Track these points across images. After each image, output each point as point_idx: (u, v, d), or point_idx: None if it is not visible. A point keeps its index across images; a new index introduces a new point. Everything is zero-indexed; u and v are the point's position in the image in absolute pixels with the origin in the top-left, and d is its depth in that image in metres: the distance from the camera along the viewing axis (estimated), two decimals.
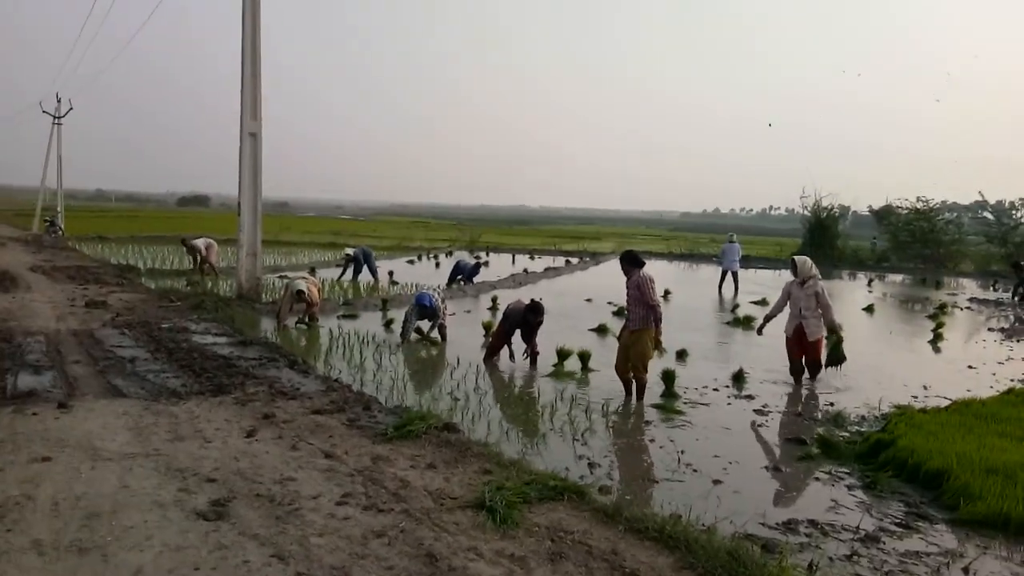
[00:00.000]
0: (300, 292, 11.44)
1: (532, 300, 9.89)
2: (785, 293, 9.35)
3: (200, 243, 19.00)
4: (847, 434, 7.00)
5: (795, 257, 9.46)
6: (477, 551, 3.73)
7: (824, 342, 9.07)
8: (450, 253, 29.34)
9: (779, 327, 9.63)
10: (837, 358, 9.12)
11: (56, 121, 42.73)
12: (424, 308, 10.74)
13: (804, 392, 8.78)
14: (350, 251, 19.41)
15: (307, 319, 11.74)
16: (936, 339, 13.12)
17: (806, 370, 9.11)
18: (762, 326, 9.89)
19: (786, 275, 28.26)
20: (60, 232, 33.72)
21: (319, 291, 12.13)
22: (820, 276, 9.18)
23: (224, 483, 4.51)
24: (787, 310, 9.37)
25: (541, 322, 9.62)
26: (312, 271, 19.30)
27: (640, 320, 7.85)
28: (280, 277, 17.65)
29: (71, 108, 43.03)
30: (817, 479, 5.84)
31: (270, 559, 3.56)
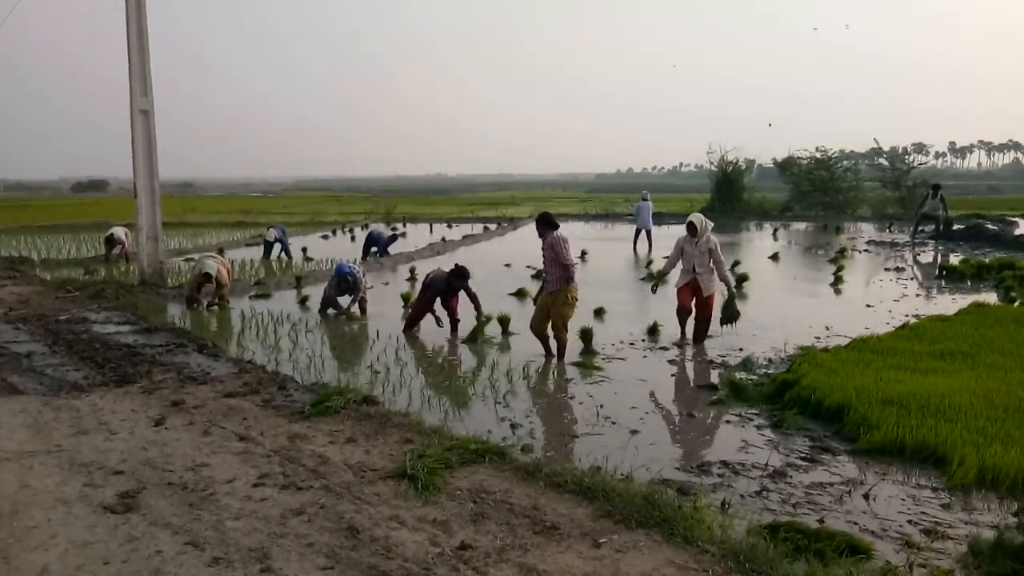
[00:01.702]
0: (207, 274, 11.03)
1: (456, 265, 9.86)
2: (677, 249, 9.07)
3: (121, 232, 17.87)
4: (755, 377, 7.30)
5: (691, 217, 9.14)
6: (399, 519, 3.73)
7: (716, 298, 8.97)
8: (365, 226, 28.79)
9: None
10: (731, 315, 9.07)
11: None
12: (344, 279, 10.55)
13: (714, 341, 9.07)
14: (271, 234, 18.56)
15: (217, 301, 11.36)
16: (837, 282, 13.77)
17: (694, 325, 8.89)
18: (655, 284, 9.65)
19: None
20: None
21: (229, 272, 11.72)
22: (710, 232, 8.94)
23: (132, 474, 4.35)
24: (680, 267, 9.14)
25: (467, 286, 9.61)
26: (220, 251, 18.62)
27: (556, 280, 7.93)
28: (187, 260, 16.98)
29: None
30: (728, 422, 6.07)
31: (184, 547, 3.47)
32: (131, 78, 12.96)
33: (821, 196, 36.50)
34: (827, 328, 9.62)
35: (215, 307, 11.25)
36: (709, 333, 8.93)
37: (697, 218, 9.08)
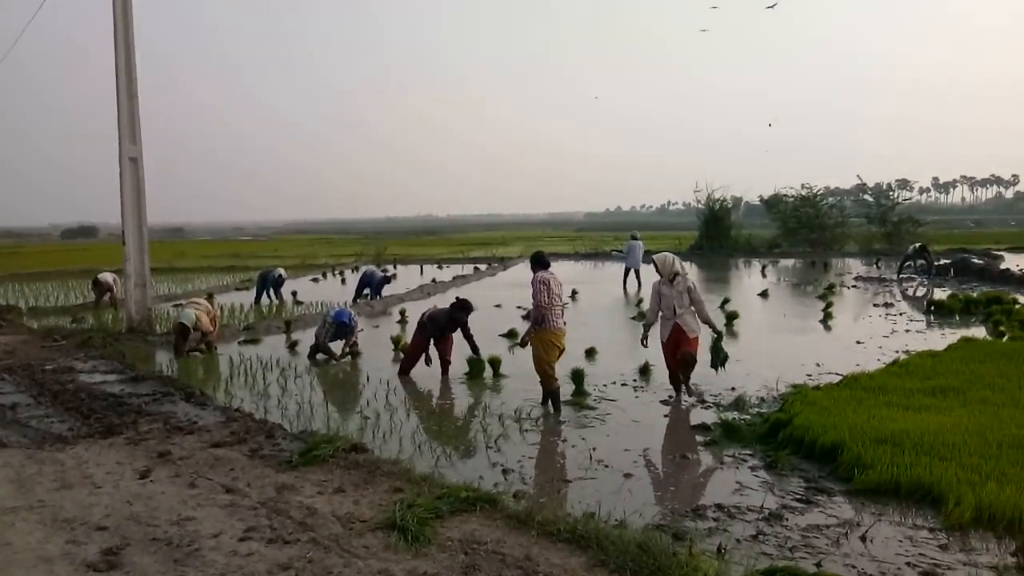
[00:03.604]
0: (182, 325, 10.97)
1: (457, 298, 9.87)
2: (655, 295, 8.44)
3: (109, 277, 17.89)
4: (748, 416, 7.26)
5: (654, 256, 8.60)
6: (389, 573, 3.65)
7: (702, 339, 8.33)
8: (355, 268, 28.82)
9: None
10: (719, 356, 8.47)
11: None
12: (343, 325, 10.53)
13: (706, 379, 9.02)
14: (278, 272, 18.83)
15: (204, 347, 11.26)
16: (826, 318, 13.81)
17: (680, 373, 8.21)
18: (644, 336, 8.61)
19: (685, 266, 29.44)
20: None
21: (215, 318, 11.64)
22: (685, 271, 8.42)
23: (116, 530, 4.25)
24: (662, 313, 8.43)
25: (466, 322, 9.62)
26: (210, 297, 18.54)
27: (534, 321, 7.86)
28: (175, 306, 16.88)
29: None
30: (722, 463, 6.02)
31: None
32: (120, 125, 13.04)
33: (808, 233, 36.89)
34: (818, 365, 9.62)
35: (198, 353, 11.14)
36: (692, 379, 8.26)
37: (659, 258, 8.43)
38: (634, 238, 21.70)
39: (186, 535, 4.15)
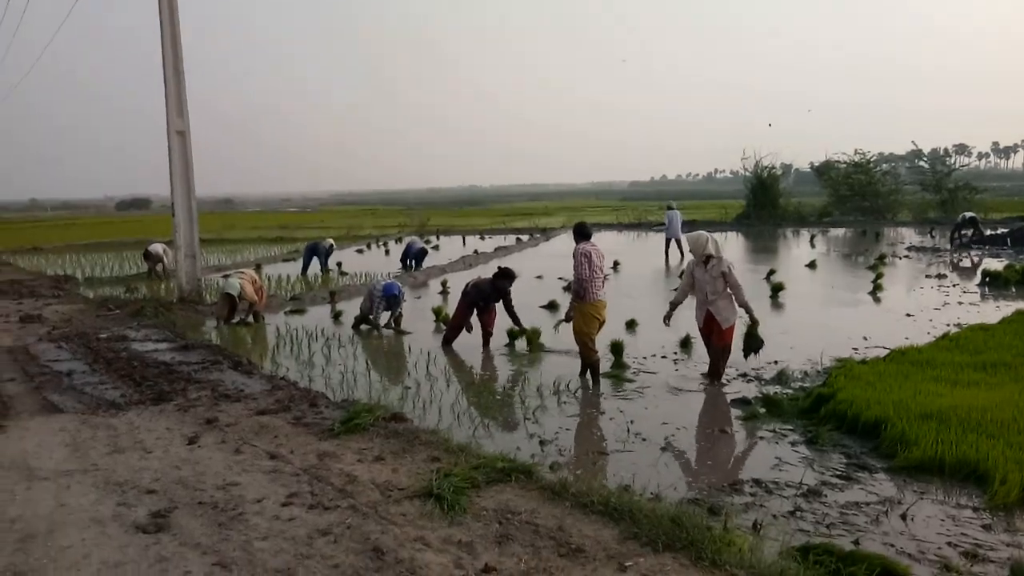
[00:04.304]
0: (227, 295, 11.22)
1: (500, 267, 9.92)
2: (688, 276, 8.02)
3: (159, 248, 18.47)
4: (791, 391, 7.16)
5: (687, 236, 8.16)
6: (424, 541, 3.73)
7: (738, 328, 7.85)
8: (399, 239, 29.05)
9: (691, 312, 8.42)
10: (753, 345, 7.99)
11: None
12: (393, 298, 10.66)
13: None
14: (328, 243, 19.11)
15: (252, 317, 11.52)
16: (876, 290, 13.49)
17: (709, 359, 7.93)
18: (668, 315, 8.23)
19: (732, 236, 28.98)
20: None
21: (261, 288, 11.88)
22: (721, 252, 7.81)
23: (165, 493, 4.42)
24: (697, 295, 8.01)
25: (509, 292, 9.67)
26: (258, 267, 18.95)
27: (575, 294, 7.84)
28: (224, 276, 17.29)
29: None
30: (762, 438, 5.96)
31: (212, 568, 3.50)
32: (167, 100, 13.28)
33: (860, 201, 35.86)
34: (865, 339, 9.42)
35: (246, 322, 11.40)
36: (729, 364, 7.89)
37: (692, 237, 7.97)
38: (670, 208, 21.45)
39: (231, 499, 4.29)
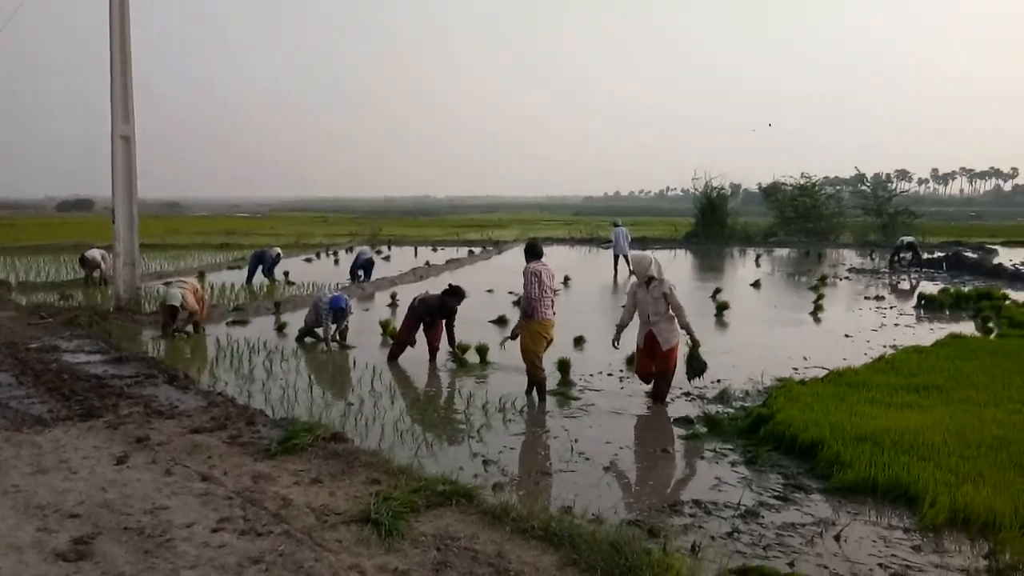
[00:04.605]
0: (172, 307, 10.92)
1: (450, 284, 9.88)
2: (631, 298, 7.99)
3: (97, 254, 17.81)
4: (732, 410, 7.26)
5: (630, 255, 7.93)
6: (360, 569, 3.64)
7: (680, 349, 7.80)
8: (350, 249, 28.73)
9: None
10: (697, 367, 7.86)
11: None
12: (340, 311, 10.46)
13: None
14: (275, 251, 18.82)
15: (192, 328, 11.22)
16: (817, 310, 13.82)
17: (652, 382, 7.86)
18: (616, 337, 8.20)
19: (680, 254, 29.46)
20: None
21: (202, 298, 11.58)
22: (663, 275, 7.73)
23: (89, 518, 4.23)
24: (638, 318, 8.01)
25: (454, 311, 9.64)
26: (200, 275, 18.50)
27: (524, 313, 7.84)
28: (165, 284, 16.82)
29: None
30: (702, 458, 6.03)
31: None
32: (112, 103, 12.91)
33: (804, 223, 36.84)
34: (805, 359, 9.63)
35: (184, 333, 11.11)
36: (673, 384, 7.86)
37: (635, 259, 7.99)
38: (616, 225, 21.94)
39: (159, 525, 4.13)
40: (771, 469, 5.68)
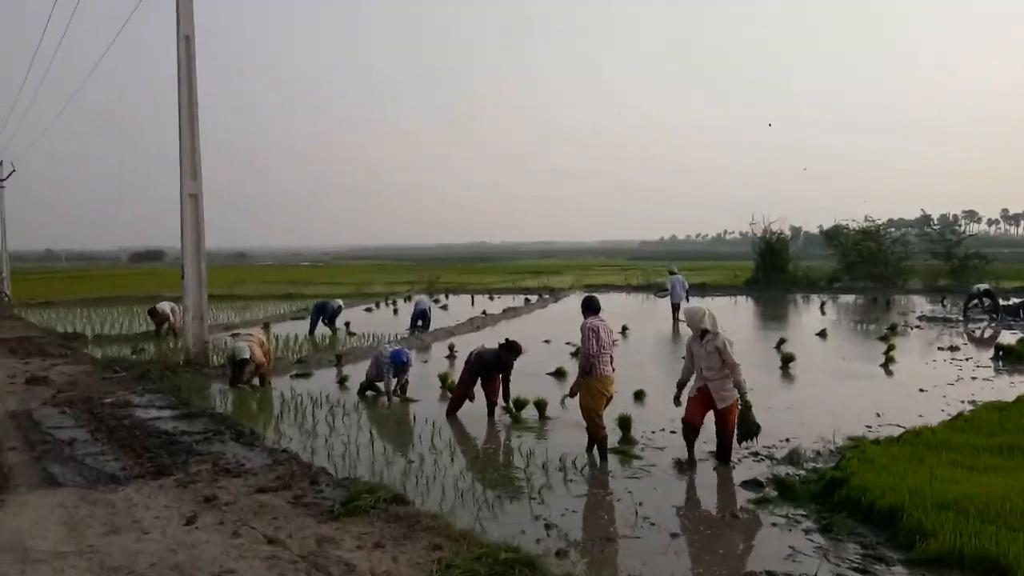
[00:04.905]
0: (241, 360, 11.16)
1: (507, 339, 9.88)
2: (688, 352, 7.72)
3: (167, 307, 18.48)
4: (803, 472, 7.00)
5: (684, 309, 7.58)
6: None
7: (736, 409, 7.42)
8: (408, 298, 29.11)
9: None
10: (749, 429, 7.42)
11: None
12: (402, 364, 10.55)
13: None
14: (337, 304, 19.38)
15: (258, 380, 11.46)
16: (888, 362, 13.31)
17: (717, 443, 7.56)
18: (677, 395, 7.87)
19: (741, 301, 28.91)
20: (7, 299, 32.74)
21: (270, 351, 11.85)
22: (718, 329, 7.46)
23: None
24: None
25: (511, 365, 9.64)
26: (266, 327, 18.95)
27: (582, 370, 7.76)
28: (232, 335, 17.30)
29: (13, 170, 42.02)
30: (774, 524, 5.80)
31: None
32: (181, 162, 13.49)
33: (870, 267, 35.72)
34: (878, 415, 9.26)
35: (251, 386, 11.33)
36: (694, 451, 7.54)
37: (688, 312, 7.76)
38: (672, 272, 21.48)
39: None
40: (848, 538, 5.42)
